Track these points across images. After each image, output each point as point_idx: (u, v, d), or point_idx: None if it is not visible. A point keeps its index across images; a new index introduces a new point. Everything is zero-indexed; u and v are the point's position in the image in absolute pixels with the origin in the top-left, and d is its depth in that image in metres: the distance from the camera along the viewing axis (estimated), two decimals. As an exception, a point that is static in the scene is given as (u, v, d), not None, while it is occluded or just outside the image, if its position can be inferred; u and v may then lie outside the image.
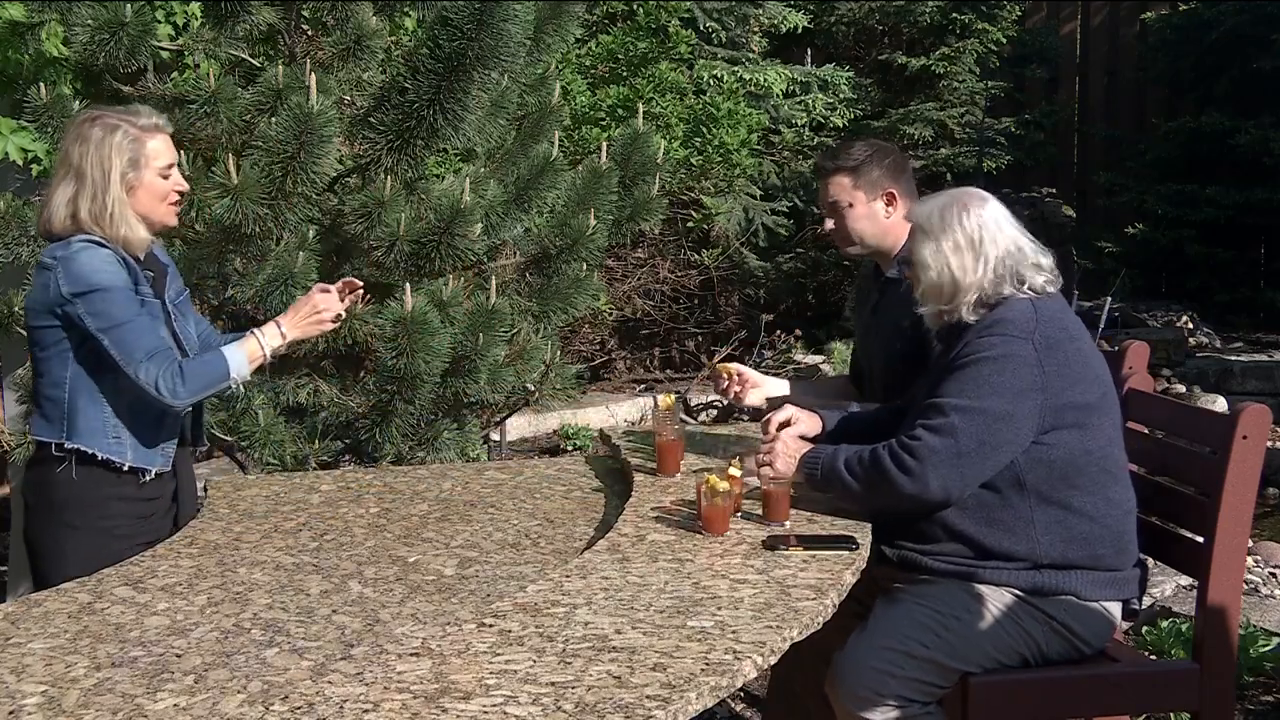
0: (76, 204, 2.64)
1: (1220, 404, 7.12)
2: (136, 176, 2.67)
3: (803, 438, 2.79)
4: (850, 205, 3.14)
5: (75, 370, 2.69)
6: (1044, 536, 2.52)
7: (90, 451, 2.70)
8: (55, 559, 2.68)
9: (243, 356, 2.77)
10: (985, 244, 2.59)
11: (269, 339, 2.81)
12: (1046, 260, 2.63)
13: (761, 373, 3.29)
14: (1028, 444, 2.51)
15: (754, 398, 3.17)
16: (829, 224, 3.20)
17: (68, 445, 2.70)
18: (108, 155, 2.63)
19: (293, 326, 2.83)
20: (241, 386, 2.84)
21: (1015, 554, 2.53)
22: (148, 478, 2.78)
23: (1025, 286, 2.58)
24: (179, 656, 1.97)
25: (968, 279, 2.58)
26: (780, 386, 3.26)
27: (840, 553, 2.38)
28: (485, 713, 1.68)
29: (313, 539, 2.68)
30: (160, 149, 2.71)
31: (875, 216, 3.14)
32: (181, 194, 2.80)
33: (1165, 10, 10.08)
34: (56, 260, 2.64)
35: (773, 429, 2.79)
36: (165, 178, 2.73)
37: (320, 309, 2.84)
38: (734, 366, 3.18)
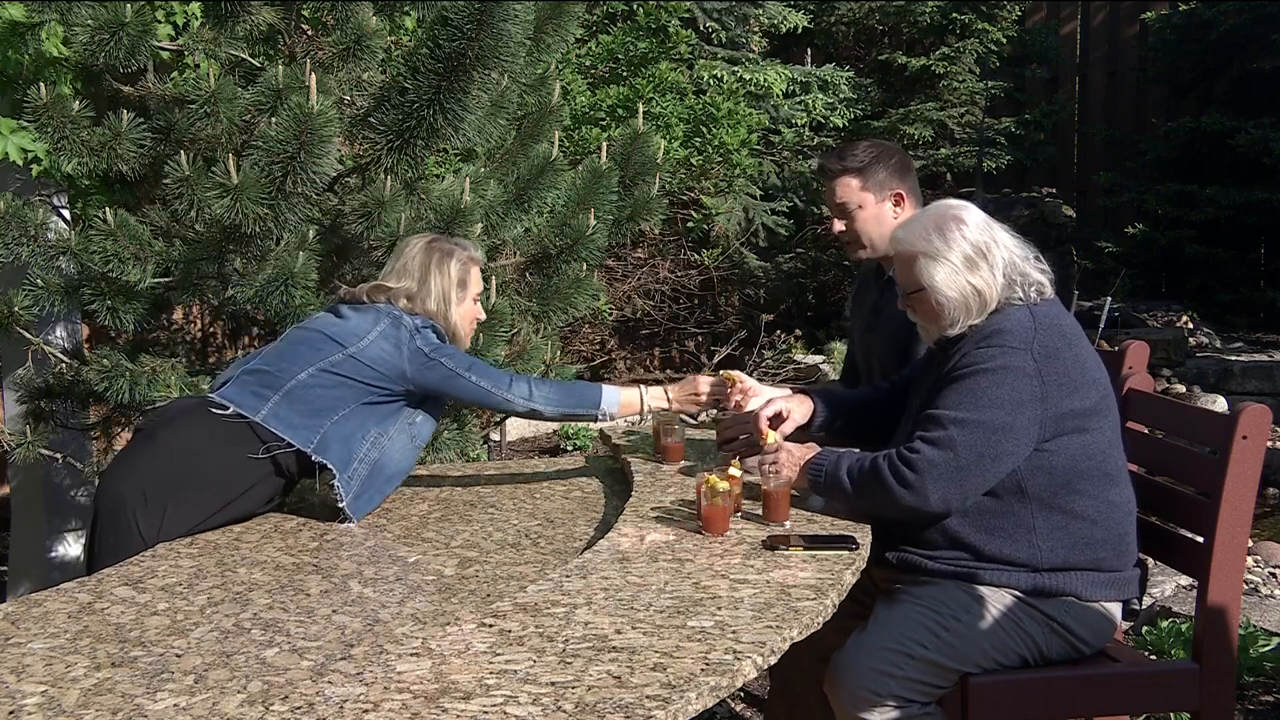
0: (422, 301, 3.02)
1: (1220, 404, 7.12)
2: (462, 295, 3.07)
3: (803, 431, 2.80)
4: (860, 207, 3.12)
5: (353, 411, 2.85)
6: (1045, 543, 2.51)
7: (332, 471, 2.79)
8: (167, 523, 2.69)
9: (617, 396, 3.01)
10: (991, 251, 2.56)
11: (651, 396, 3.08)
12: (1033, 252, 2.62)
13: (761, 374, 3.29)
14: (1028, 454, 2.49)
15: (754, 406, 3.17)
16: (839, 225, 3.17)
17: (315, 458, 2.79)
18: (447, 273, 3.05)
19: (675, 397, 3.10)
20: (606, 420, 3.05)
21: (1016, 560, 2.52)
22: (344, 524, 2.82)
23: (1032, 288, 2.56)
24: (179, 656, 1.97)
25: (989, 290, 2.54)
26: (775, 395, 3.25)
27: (840, 553, 2.38)
28: (485, 713, 1.68)
29: (313, 539, 2.68)
30: (476, 278, 3.13)
31: (883, 218, 3.11)
32: (479, 321, 3.21)
33: (1165, 10, 10.07)
34: (416, 325, 2.94)
35: (763, 424, 2.79)
36: (475, 301, 3.13)
37: (700, 391, 3.08)
38: (735, 374, 3.14)
